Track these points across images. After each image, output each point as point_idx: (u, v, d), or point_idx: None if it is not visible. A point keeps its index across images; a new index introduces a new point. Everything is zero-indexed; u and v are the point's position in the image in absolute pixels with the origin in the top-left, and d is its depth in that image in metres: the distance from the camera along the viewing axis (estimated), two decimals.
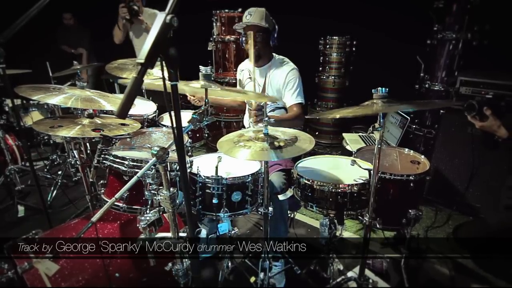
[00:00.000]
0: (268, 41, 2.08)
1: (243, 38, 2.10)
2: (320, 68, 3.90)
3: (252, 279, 1.84)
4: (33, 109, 3.26)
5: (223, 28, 3.71)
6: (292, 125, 2.11)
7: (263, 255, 1.76)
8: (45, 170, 3.30)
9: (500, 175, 2.37)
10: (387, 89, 1.37)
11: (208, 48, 3.86)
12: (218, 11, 3.70)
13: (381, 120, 1.35)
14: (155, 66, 0.80)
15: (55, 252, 1.39)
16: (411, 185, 1.70)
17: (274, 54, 2.21)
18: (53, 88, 1.68)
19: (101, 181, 1.66)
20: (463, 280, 2.03)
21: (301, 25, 3.86)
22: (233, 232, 1.95)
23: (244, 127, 2.46)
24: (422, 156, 1.92)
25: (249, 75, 2.24)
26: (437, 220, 2.60)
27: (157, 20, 0.77)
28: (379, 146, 1.39)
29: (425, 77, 3.02)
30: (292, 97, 2.12)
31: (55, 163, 3.39)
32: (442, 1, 2.76)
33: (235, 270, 1.99)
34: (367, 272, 1.97)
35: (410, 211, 1.73)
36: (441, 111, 2.71)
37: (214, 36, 3.77)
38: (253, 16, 2.03)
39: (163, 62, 0.83)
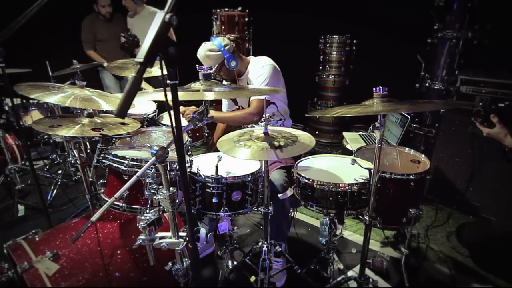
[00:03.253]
0: (226, 68, 2.09)
1: None
2: (320, 67, 3.89)
3: (252, 278, 1.84)
4: (33, 108, 3.26)
5: (223, 27, 3.71)
6: (240, 123, 2.17)
7: (263, 255, 1.76)
8: (45, 169, 3.30)
9: (501, 174, 2.37)
10: (386, 88, 1.37)
11: None
12: (217, 10, 3.69)
13: (382, 120, 1.35)
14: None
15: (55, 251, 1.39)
16: (412, 184, 1.70)
17: (250, 58, 2.21)
18: (52, 87, 1.68)
19: (101, 181, 1.66)
20: (464, 279, 2.03)
21: (301, 24, 3.85)
22: (233, 231, 1.95)
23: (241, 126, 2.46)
24: (423, 155, 1.92)
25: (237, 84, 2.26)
26: (437, 219, 2.60)
27: (156, 19, 0.77)
28: (379, 145, 1.38)
29: (425, 76, 3.02)
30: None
31: (55, 162, 3.39)
32: (443, 0, 2.76)
33: (235, 270, 1.99)
34: (367, 271, 1.97)
35: (410, 210, 1.73)
36: (442, 110, 2.70)
37: (214, 35, 3.76)
38: (204, 63, 2.07)
39: (163, 61, 0.82)
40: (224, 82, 2.37)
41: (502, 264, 2.04)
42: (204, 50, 2.05)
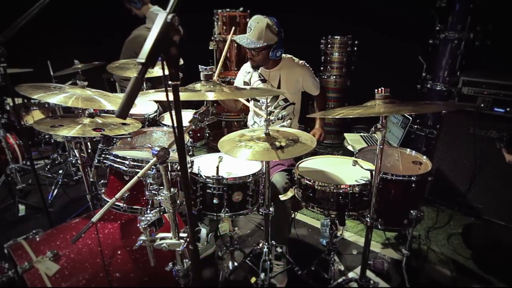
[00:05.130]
0: (267, 55, 2.04)
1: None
2: (322, 68, 3.89)
3: (253, 279, 1.84)
4: (34, 108, 3.26)
5: (224, 27, 3.71)
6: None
7: (264, 256, 1.76)
8: (46, 169, 3.30)
9: (503, 176, 2.36)
10: (388, 89, 1.37)
11: (209, 48, 3.85)
12: (219, 11, 3.69)
13: (383, 121, 1.34)
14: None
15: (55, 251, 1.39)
16: (413, 185, 1.69)
17: (285, 56, 2.20)
18: (53, 87, 1.68)
19: (102, 181, 1.66)
20: (464, 281, 2.02)
21: (303, 24, 3.85)
22: (233, 232, 1.95)
23: (246, 126, 2.46)
24: (424, 157, 1.91)
25: (260, 77, 2.22)
26: (439, 220, 2.60)
27: (158, 19, 0.77)
28: (381, 146, 1.38)
29: (427, 77, 3.01)
30: (315, 87, 2.30)
31: (56, 162, 3.39)
32: (445, 1, 2.75)
33: (235, 271, 1.99)
34: (368, 273, 1.97)
35: (411, 211, 1.72)
36: (443, 111, 2.70)
37: (215, 35, 3.77)
38: (251, 33, 1.97)
39: (164, 62, 0.82)
40: (246, 68, 2.31)
41: (503, 267, 2.03)
42: (264, 23, 1.93)
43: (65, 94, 1.59)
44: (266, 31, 1.94)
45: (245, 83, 2.30)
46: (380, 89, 1.38)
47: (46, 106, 3.27)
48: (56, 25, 3.90)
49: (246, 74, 2.30)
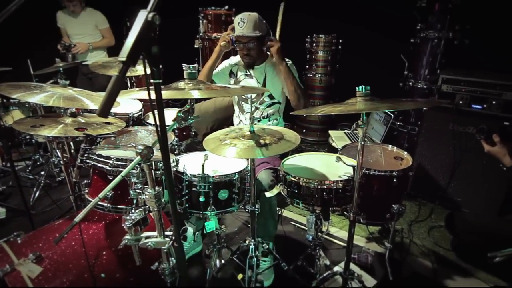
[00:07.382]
0: (262, 47, 2.10)
1: (235, 46, 2.10)
2: (307, 66, 3.93)
3: (240, 276, 1.85)
4: (14, 108, 3.17)
5: (210, 26, 3.70)
6: (297, 94, 2.12)
7: (250, 253, 1.77)
8: (27, 170, 3.22)
9: (481, 170, 2.45)
10: (368, 87, 1.40)
11: (195, 46, 3.83)
12: (204, 9, 3.68)
13: (364, 118, 1.38)
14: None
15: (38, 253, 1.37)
16: (395, 180, 1.74)
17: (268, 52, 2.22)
18: (34, 86, 1.64)
19: (85, 181, 1.64)
20: (445, 272, 2.10)
21: (288, 23, 3.87)
22: (220, 230, 1.96)
23: (233, 125, 2.47)
24: (405, 152, 1.97)
25: (246, 72, 2.24)
26: (420, 214, 2.67)
27: (139, 18, 0.77)
28: (362, 143, 1.41)
29: (408, 75, 3.09)
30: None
31: (38, 163, 3.31)
32: (425, 1, 2.83)
33: (223, 268, 2.00)
34: (353, 266, 2.01)
35: (393, 206, 1.77)
36: (424, 108, 2.77)
37: (201, 34, 3.75)
38: (245, 25, 1.99)
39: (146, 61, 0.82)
40: (234, 60, 2.31)
41: (483, 252, 2.11)
42: (255, 14, 2.00)
43: (46, 93, 1.56)
44: (259, 22, 2.01)
45: (232, 73, 2.31)
46: (361, 86, 1.42)
47: (27, 105, 3.18)
48: (37, 22, 3.80)
49: (233, 65, 2.30)
